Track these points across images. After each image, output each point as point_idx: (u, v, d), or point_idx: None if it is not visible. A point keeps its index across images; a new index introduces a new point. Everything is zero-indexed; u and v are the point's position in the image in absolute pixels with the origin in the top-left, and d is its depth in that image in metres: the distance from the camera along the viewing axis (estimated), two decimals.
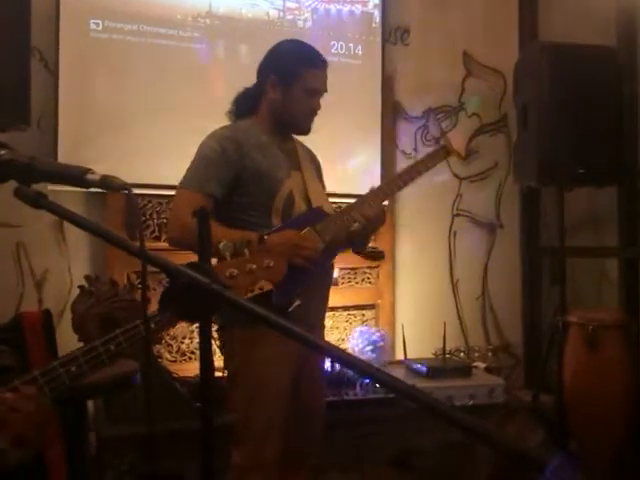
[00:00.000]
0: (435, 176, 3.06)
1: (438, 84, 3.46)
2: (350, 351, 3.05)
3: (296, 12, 3.17)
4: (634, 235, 3.12)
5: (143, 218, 2.94)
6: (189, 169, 1.88)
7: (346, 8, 3.26)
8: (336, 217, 1.94)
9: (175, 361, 2.98)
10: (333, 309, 3.14)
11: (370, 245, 2.14)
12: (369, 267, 3.32)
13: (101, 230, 0.92)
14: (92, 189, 1.00)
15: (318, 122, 2.06)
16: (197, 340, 2.95)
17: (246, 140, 1.90)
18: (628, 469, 2.62)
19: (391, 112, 3.38)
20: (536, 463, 0.63)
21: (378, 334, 3.15)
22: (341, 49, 3.24)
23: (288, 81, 1.94)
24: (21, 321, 1.84)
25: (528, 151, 3.09)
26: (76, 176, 0.92)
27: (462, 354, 3.38)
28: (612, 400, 2.65)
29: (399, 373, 2.89)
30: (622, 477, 2.63)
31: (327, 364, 2.55)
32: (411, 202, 3.36)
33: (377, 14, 3.31)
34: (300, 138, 2.10)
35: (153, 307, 1.18)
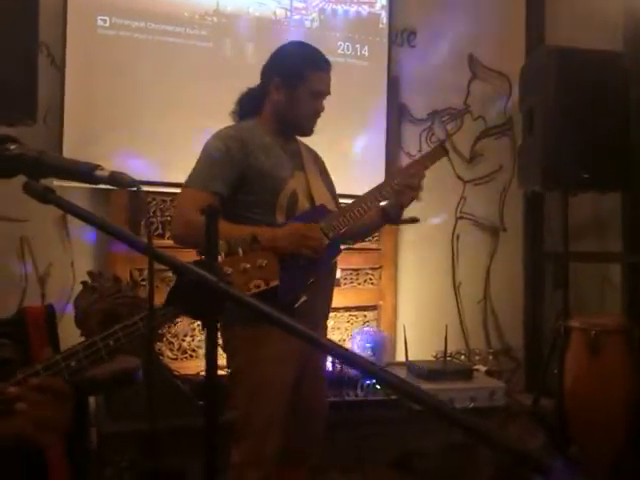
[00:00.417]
0: (439, 178, 3.06)
1: (444, 86, 3.46)
2: None
3: (303, 12, 3.17)
4: (637, 241, 3.12)
5: (147, 215, 2.95)
6: (194, 168, 1.90)
7: (353, 9, 3.26)
8: (339, 214, 1.95)
9: (176, 359, 2.98)
10: (335, 309, 3.13)
11: (377, 245, 2.15)
12: (371, 268, 3.32)
13: (109, 226, 0.92)
14: (95, 185, 1.00)
15: (323, 122, 2.06)
16: (198, 338, 2.99)
17: (250, 140, 1.91)
18: (628, 474, 2.62)
19: (396, 114, 3.38)
20: (540, 466, 0.63)
21: (379, 335, 3.15)
22: (347, 50, 3.24)
23: (292, 83, 1.95)
24: (24, 315, 1.84)
25: (533, 155, 3.09)
26: (85, 172, 0.92)
27: (463, 357, 3.37)
28: (613, 405, 2.65)
29: (400, 375, 2.89)
30: None
31: (328, 364, 2.55)
32: (414, 204, 3.34)
33: (384, 15, 3.31)
34: (305, 139, 2.11)
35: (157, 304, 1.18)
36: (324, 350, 1.08)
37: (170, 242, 2.82)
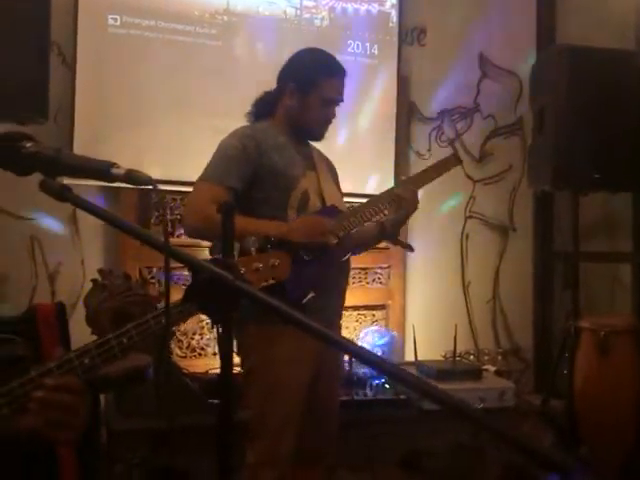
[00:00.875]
0: (448, 177, 3.04)
1: (453, 85, 3.44)
2: None
3: (313, 11, 3.17)
4: None
5: (157, 213, 2.96)
6: (209, 164, 1.92)
7: (363, 7, 3.25)
8: (349, 215, 1.96)
9: (185, 357, 2.99)
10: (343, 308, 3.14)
11: (385, 244, 2.16)
12: (380, 267, 3.32)
13: (125, 224, 0.92)
14: (111, 184, 1.00)
15: (332, 122, 2.08)
16: (207, 336, 2.99)
17: (264, 140, 1.94)
18: (638, 475, 2.60)
19: (406, 112, 3.37)
20: (563, 467, 0.63)
21: (388, 335, 3.14)
22: (357, 48, 3.24)
23: (305, 89, 1.98)
24: (35, 313, 1.85)
25: (543, 155, 3.07)
26: (101, 170, 0.92)
27: (472, 357, 3.36)
28: (623, 406, 2.63)
29: None
30: None
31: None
32: (423, 203, 3.33)
33: (394, 14, 3.30)
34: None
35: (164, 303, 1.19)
36: (340, 348, 1.08)
37: (180, 240, 2.85)
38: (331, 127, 2.09)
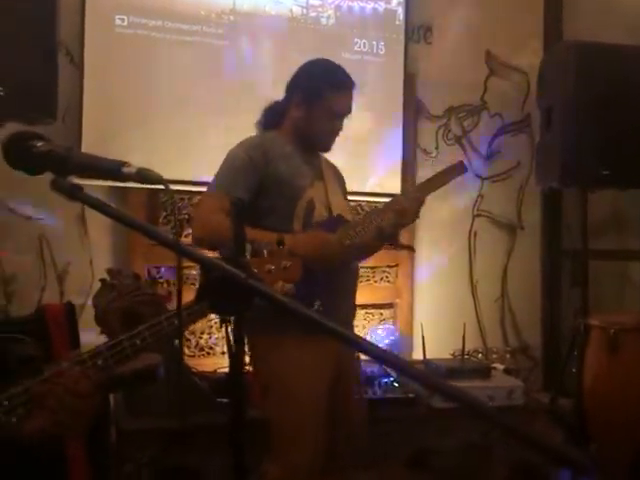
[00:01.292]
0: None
1: (460, 83, 3.43)
2: None
3: (319, 9, 3.16)
4: None
5: (164, 213, 2.96)
6: (217, 175, 1.94)
7: (369, 5, 3.24)
8: (356, 224, 1.97)
9: (193, 356, 2.99)
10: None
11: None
12: (388, 266, 3.31)
13: (137, 223, 0.92)
14: (122, 183, 1.00)
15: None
16: (215, 335, 2.99)
17: (271, 148, 1.95)
18: None
19: (413, 110, 3.36)
20: (581, 466, 0.62)
21: (396, 333, 3.14)
22: (364, 47, 3.23)
23: (311, 102, 1.98)
24: (44, 313, 1.85)
25: (551, 152, 3.06)
26: (112, 169, 0.93)
27: (480, 355, 3.36)
28: (633, 404, 2.62)
29: None
30: None
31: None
32: (431, 201, 3.33)
33: (400, 12, 3.29)
34: None
35: (173, 303, 1.19)
36: (357, 348, 1.07)
37: (189, 240, 2.84)
38: None
